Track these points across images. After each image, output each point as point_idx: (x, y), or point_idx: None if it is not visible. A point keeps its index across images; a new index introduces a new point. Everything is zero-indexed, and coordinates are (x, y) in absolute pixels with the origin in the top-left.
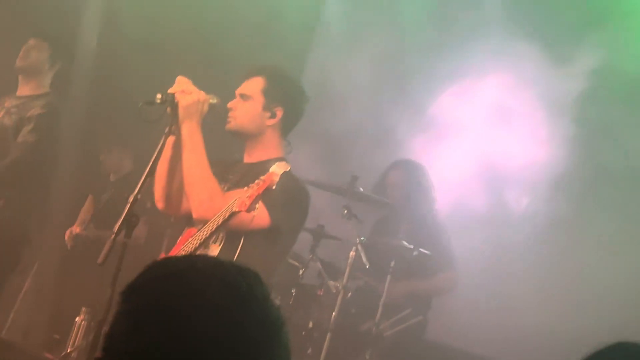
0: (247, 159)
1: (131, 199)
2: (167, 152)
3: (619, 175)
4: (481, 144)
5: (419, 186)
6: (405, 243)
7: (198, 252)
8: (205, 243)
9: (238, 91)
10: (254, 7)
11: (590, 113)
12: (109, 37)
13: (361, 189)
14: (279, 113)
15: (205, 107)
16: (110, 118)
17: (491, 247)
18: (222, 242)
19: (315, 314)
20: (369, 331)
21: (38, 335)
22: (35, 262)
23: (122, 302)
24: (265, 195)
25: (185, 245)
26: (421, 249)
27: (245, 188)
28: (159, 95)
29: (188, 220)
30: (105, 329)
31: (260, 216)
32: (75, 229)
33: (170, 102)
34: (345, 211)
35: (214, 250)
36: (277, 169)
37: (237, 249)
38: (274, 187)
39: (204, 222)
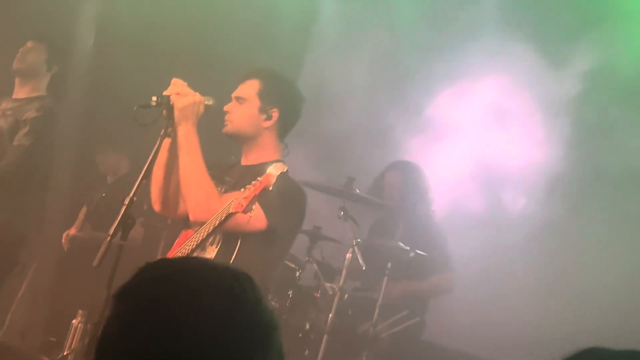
0: (245, 161)
1: (127, 201)
2: (163, 155)
3: (616, 175)
4: (478, 145)
5: (416, 187)
6: (402, 244)
7: (195, 255)
8: (202, 245)
9: (234, 94)
10: (250, 9)
11: (587, 114)
12: (105, 40)
13: (358, 191)
14: (275, 115)
15: (201, 109)
16: (107, 120)
17: (488, 248)
18: (219, 244)
19: (312, 315)
20: (366, 333)
21: (35, 337)
22: (32, 264)
23: (116, 303)
24: (262, 197)
25: (182, 247)
26: (418, 251)
27: (242, 190)
28: (154, 98)
29: (185, 222)
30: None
31: (257, 218)
32: (72, 231)
33: (166, 104)
34: (342, 213)
35: (211, 253)
36: (274, 171)
37: (234, 251)
38: (270, 189)
39: (200, 224)
